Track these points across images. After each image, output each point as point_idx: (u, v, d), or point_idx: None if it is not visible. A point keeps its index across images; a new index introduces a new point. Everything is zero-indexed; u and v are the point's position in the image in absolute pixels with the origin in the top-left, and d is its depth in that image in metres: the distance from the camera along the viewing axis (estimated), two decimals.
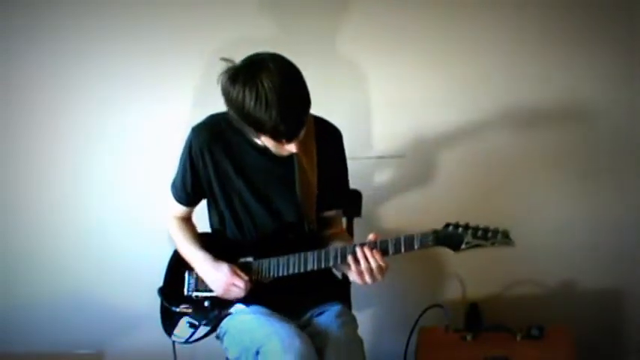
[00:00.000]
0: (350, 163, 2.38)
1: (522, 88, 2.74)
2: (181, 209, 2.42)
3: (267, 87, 1.98)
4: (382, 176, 2.85)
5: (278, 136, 2.06)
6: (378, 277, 2.10)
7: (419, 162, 2.83)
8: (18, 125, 2.96)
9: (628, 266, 2.85)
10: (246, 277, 2.24)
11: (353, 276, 2.14)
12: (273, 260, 2.25)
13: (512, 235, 2.03)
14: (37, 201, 2.99)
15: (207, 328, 2.30)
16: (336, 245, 2.20)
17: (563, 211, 2.81)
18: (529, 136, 2.76)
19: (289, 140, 2.08)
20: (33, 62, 2.90)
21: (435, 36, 2.76)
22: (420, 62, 2.77)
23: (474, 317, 2.80)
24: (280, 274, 2.24)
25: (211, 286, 2.30)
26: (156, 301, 2.40)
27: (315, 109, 2.30)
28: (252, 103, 1.99)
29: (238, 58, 2.06)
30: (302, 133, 2.09)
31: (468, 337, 2.69)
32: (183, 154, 2.33)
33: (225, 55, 2.07)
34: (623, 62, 2.70)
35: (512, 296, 2.89)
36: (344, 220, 2.51)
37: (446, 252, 2.83)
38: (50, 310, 3.02)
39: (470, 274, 2.90)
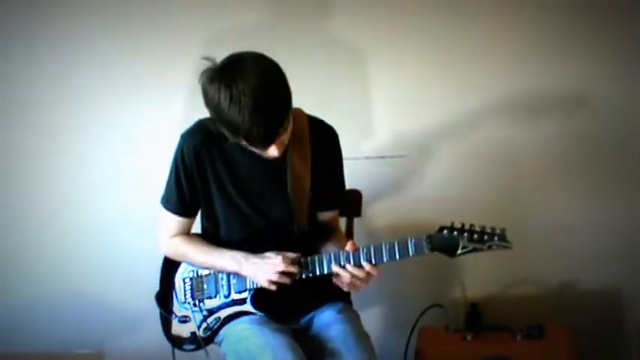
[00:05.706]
0: (351, 163, 2.37)
1: (524, 87, 2.74)
2: (181, 224, 2.30)
3: (242, 90, 1.91)
4: (383, 176, 2.85)
5: (252, 141, 1.99)
6: (362, 285, 2.09)
7: (420, 162, 2.83)
8: (18, 125, 2.96)
9: (628, 266, 2.85)
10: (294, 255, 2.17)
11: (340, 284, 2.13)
12: None
13: (512, 235, 2.00)
14: (37, 201, 2.99)
15: (207, 334, 2.29)
16: (329, 250, 2.19)
17: (564, 211, 2.81)
18: (530, 136, 2.76)
19: (264, 145, 2.02)
20: (33, 62, 2.90)
21: (436, 35, 2.76)
22: (422, 61, 2.77)
23: (474, 317, 2.80)
24: None
25: (256, 278, 2.19)
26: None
27: (315, 108, 2.30)
28: (227, 105, 1.93)
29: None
30: (280, 137, 2.02)
31: (468, 337, 2.69)
32: (173, 163, 2.24)
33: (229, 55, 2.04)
34: (626, 61, 2.70)
35: (512, 296, 2.89)
36: (343, 220, 2.51)
37: None
38: (50, 310, 3.02)
39: (470, 274, 2.90)
